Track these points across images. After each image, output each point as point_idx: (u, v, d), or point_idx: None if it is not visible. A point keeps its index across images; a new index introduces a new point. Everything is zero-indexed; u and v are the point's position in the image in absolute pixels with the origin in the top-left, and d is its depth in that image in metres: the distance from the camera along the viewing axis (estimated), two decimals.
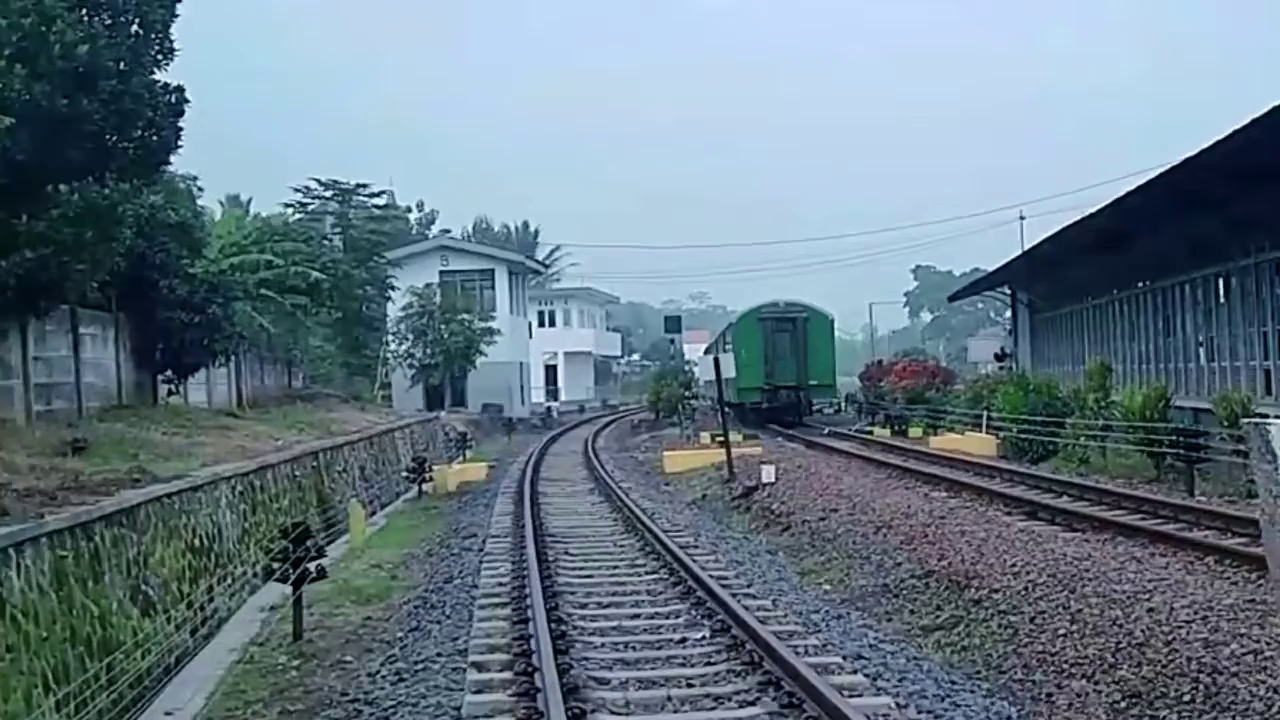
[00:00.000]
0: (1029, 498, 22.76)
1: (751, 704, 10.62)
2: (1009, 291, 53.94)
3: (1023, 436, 33.11)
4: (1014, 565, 15.12)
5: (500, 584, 16.69)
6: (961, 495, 24.21)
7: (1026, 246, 46.31)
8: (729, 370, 32.46)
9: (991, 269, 51.21)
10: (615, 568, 18.19)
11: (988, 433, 37.31)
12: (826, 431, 47.97)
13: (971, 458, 32.41)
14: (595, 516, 25.00)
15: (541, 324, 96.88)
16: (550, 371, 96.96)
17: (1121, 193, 27.91)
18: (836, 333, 53.07)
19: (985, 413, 38.44)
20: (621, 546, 20.33)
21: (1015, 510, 21.62)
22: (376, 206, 65.83)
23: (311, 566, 15.28)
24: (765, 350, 46.85)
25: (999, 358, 54.79)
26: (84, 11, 18.65)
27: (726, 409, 36.49)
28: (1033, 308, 50.40)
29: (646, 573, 17.58)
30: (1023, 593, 13.88)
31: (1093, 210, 30.83)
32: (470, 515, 27.25)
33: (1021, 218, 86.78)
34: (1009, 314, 60.55)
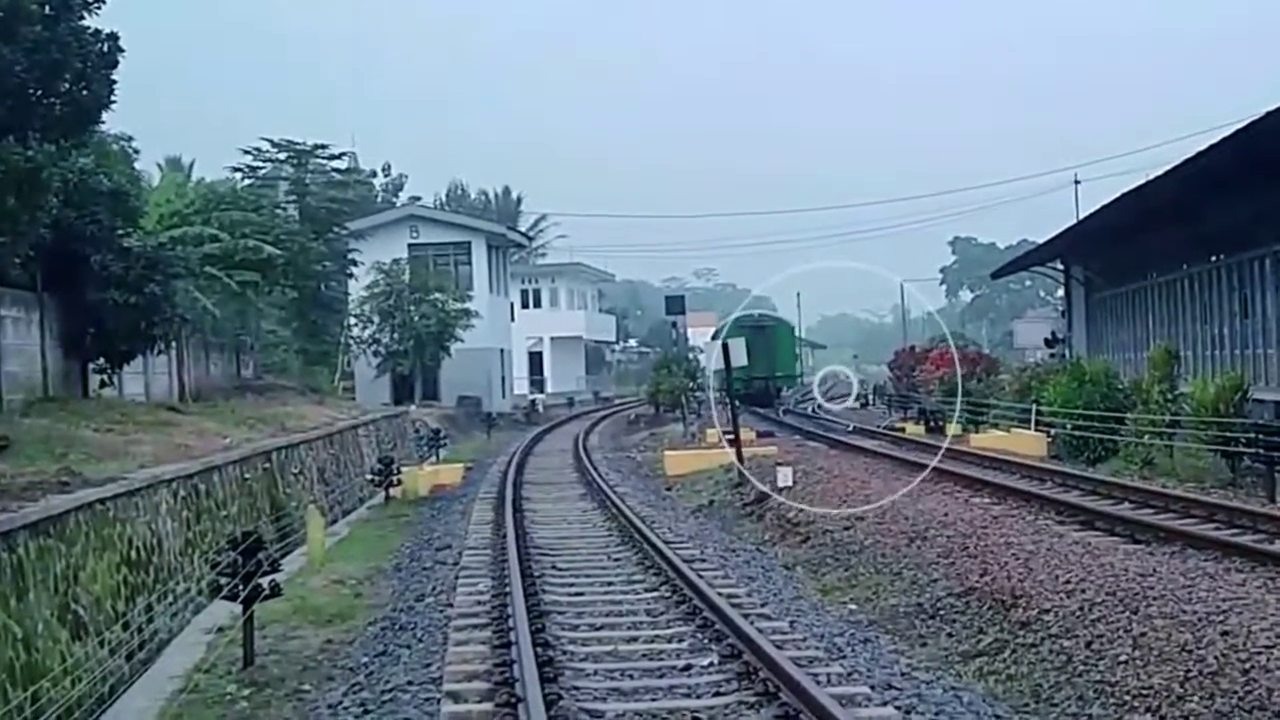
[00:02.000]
0: (1084, 504, 22.80)
1: None
2: (1062, 267, 53.93)
3: (1077, 434, 33.15)
4: (1067, 582, 15.14)
5: (479, 602, 16.73)
6: (1007, 501, 24.23)
7: (1082, 215, 46.34)
8: (740, 358, 32.53)
9: (1042, 241, 51.19)
10: (610, 584, 18.23)
11: (1037, 430, 37.34)
12: (851, 428, 48.14)
13: (1018, 458, 32.46)
14: (587, 525, 25.04)
15: (525, 305, 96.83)
16: (535, 359, 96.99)
17: (1192, 153, 27.83)
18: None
19: (1034, 407, 38.46)
20: (617, 560, 20.37)
21: (1069, 519, 21.65)
22: (337, 171, 65.74)
23: (264, 582, 15.31)
24: (746, 351, 57.53)
25: (1050, 343, 54.84)
26: None
27: (736, 401, 36.55)
28: (1089, 285, 50.42)
29: (645, 590, 17.61)
30: (1077, 614, 13.90)
31: (1159, 172, 30.77)
32: (444, 524, 27.28)
33: (1076, 182, 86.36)
34: (1061, 293, 60.59)
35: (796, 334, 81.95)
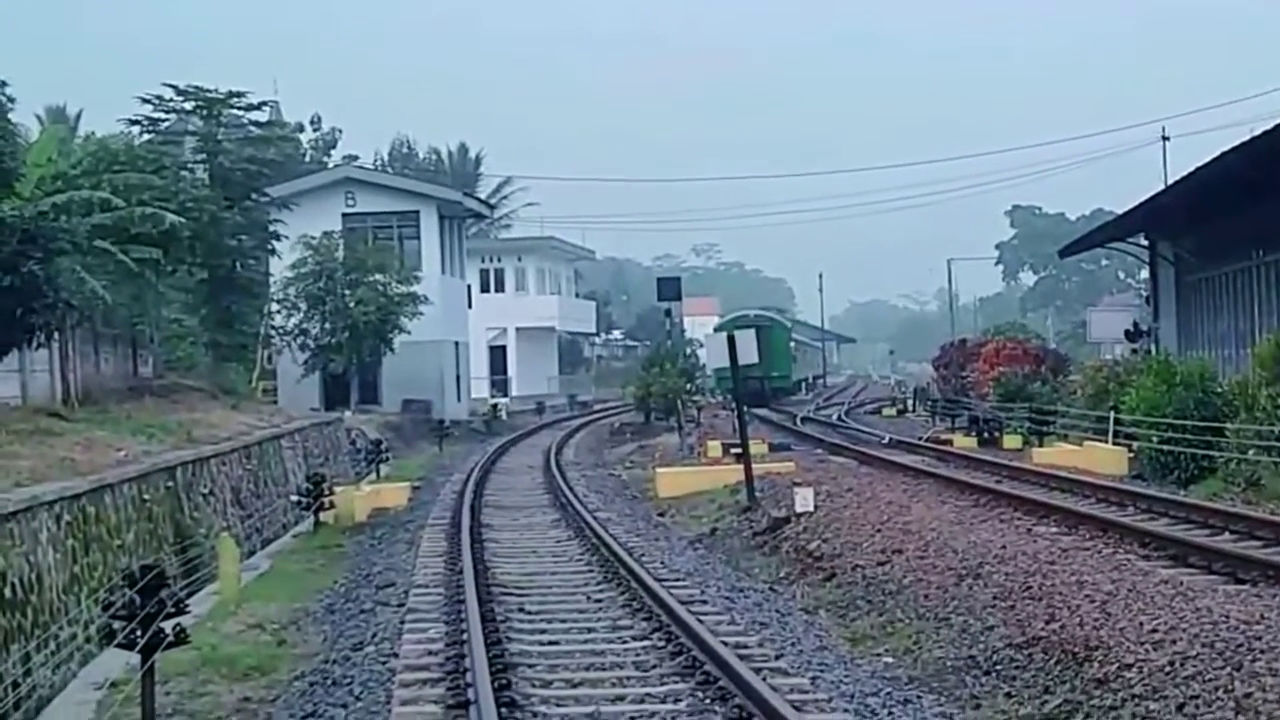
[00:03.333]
0: (1175, 535, 22.77)
1: None
2: (1147, 243, 53.89)
3: (1165, 448, 33.14)
4: (1154, 630, 15.12)
5: (430, 653, 16.72)
6: (1078, 531, 24.20)
7: (1172, 178, 46.35)
8: (749, 354, 32.54)
9: (1121, 210, 51.17)
10: (590, 630, 18.21)
11: (1115, 443, 37.33)
12: (887, 440, 48.16)
13: (1092, 478, 32.42)
14: (561, 559, 25.01)
15: (486, 288, 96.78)
16: (498, 355, 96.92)
17: None
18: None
19: (1112, 414, 38.46)
20: (598, 602, 20.34)
21: (1155, 552, 21.62)
22: (255, 124, 65.39)
23: (167, 627, 15.25)
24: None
25: (1132, 336, 54.72)
26: None
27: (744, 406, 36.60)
28: (1181, 265, 50.39)
29: (634, 638, 17.59)
30: (1167, 670, 13.88)
31: (1270, 126, 30.69)
32: (387, 556, 27.24)
33: (1165, 138, 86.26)
34: (1146, 274, 60.60)
35: (790, 337, 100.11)
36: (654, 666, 15.95)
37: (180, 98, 61.48)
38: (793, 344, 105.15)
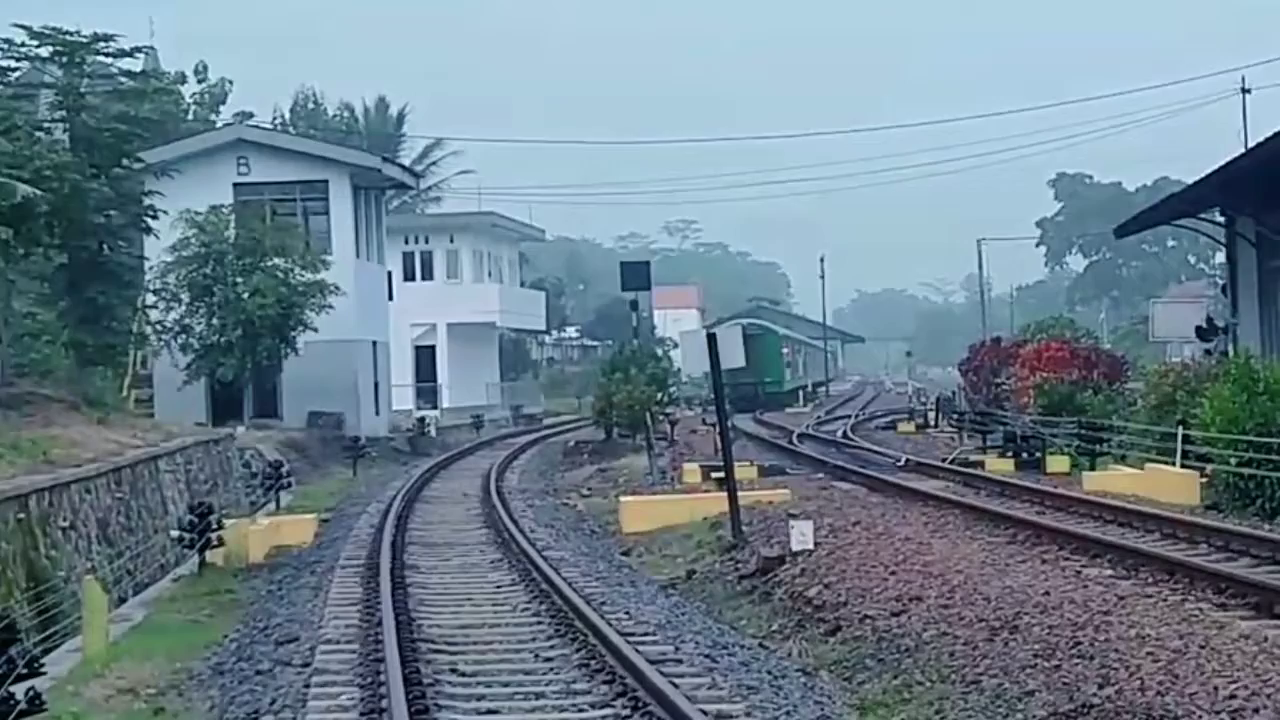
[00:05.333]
0: (1257, 579, 22.77)
1: None
2: (1223, 219, 53.98)
3: (1246, 472, 33.18)
4: (1232, 696, 15.15)
5: None
6: (1139, 574, 24.22)
7: (1254, 140, 46.41)
8: (735, 357, 32.55)
9: (1192, 180, 51.25)
10: (538, 698, 18.16)
11: (1185, 465, 37.35)
12: (903, 462, 48.19)
13: (1156, 508, 32.45)
14: (503, 609, 24.94)
15: (410, 275, 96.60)
16: (425, 357, 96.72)
17: None
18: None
19: (1180, 430, 38.50)
20: (549, 661, 20.28)
21: (1234, 601, 21.63)
22: (127, 75, 65.26)
23: (19, 691, 15.19)
24: None
25: (1205, 334, 54.84)
26: None
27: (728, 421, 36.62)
28: (1265, 247, 50.51)
29: (592, 707, 17.56)
30: None
31: None
32: (289, 604, 27.12)
33: (1245, 90, 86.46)
34: (1222, 258, 60.67)
35: (783, 345, 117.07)
36: None
37: (34, 42, 61.25)
38: (785, 350, 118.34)
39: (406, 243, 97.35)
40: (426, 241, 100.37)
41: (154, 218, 58.86)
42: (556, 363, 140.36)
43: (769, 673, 20.12)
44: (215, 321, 61.29)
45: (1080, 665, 17.39)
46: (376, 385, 73.32)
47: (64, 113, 57.04)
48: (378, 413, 72.79)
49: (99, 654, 22.75)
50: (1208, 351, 53.37)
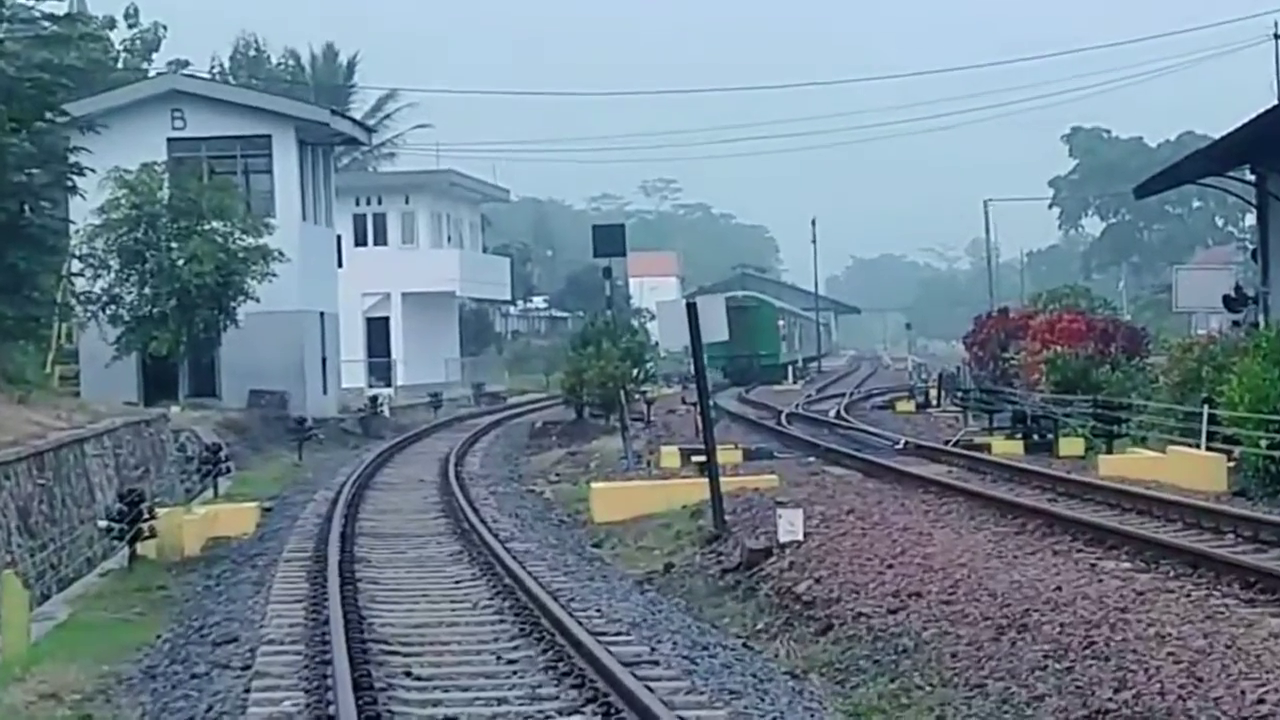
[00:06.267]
0: None
1: None
2: (1253, 177, 53.98)
3: (1277, 455, 33.22)
4: (1261, 701, 15.18)
5: None
6: (1160, 567, 24.26)
7: None
8: (717, 330, 32.54)
9: (1220, 134, 51.23)
10: (501, 703, 18.15)
11: (1210, 447, 37.40)
12: (901, 444, 48.23)
13: (1178, 495, 32.52)
14: (462, 606, 24.95)
15: (362, 240, 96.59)
16: (378, 330, 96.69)
17: None
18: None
19: (1206, 409, 38.54)
20: (512, 664, 20.28)
21: (1263, 596, 21.66)
22: (50, 19, 65.18)
23: None
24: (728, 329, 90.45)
25: (1233, 304, 54.85)
26: None
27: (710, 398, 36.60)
28: None
29: (560, 713, 17.56)
30: None
31: None
32: (228, 601, 27.12)
33: (1277, 36, 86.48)
34: (1253, 220, 60.67)
35: (779, 318, 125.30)
36: None
37: None
38: (781, 323, 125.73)
39: (358, 204, 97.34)
40: (379, 203, 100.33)
41: (80, 175, 58.72)
42: (522, 336, 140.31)
43: (754, 676, 20.15)
44: (147, 291, 61.15)
45: (1095, 667, 17.42)
46: (324, 361, 73.27)
47: None
48: (326, 391, 72.71)
49: (19, 656, 22.72)
50: (1236, 323, 53.39)
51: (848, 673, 20.18)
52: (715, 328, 32.64)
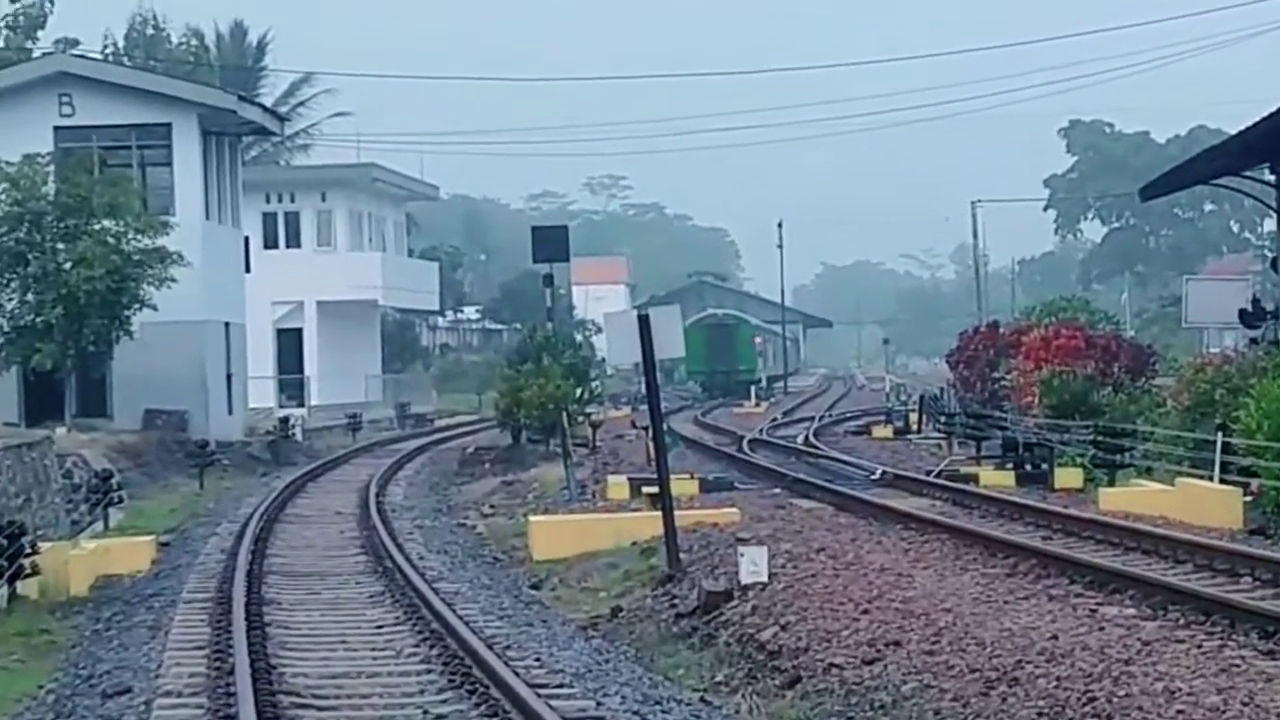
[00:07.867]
0: None
1: None
2: (1272, 177, 54.23)
3: None
4: None
5: None
6: (1168, 614, 24.34)
7: None
8: (672, 346, 32.54)
9: (1234, 130, 51.40)
10: None
11: (1225, 480, 37.51)
12: (878, 474, 48.31)
13: (1190, 532, 32.62)
14: (384, 655, 24.99)
15: (273, 241, 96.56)
16: (289, 343, 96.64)
17: None
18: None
19: (1220, 437, 38.65)
20: (442, 719, 20.28)
21: None
22: None
23: None
24: (709, 345, 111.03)
25: (1250, 319, 55.10)
26: None
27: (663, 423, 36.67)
28: None
29: None
30: None
31: None
32: (120, 648, 27.07)
33: None
34: (1272, 225, 60.94)
35: (755, 335, 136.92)
36: None
37: None
38: (757, 340, 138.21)
39: (268, 201, 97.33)
40: (292, 200, 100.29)
41: None
42: (452, 350, 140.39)
43: None
44: (30, 298, 61.07)
45: None
46: (229, 377, 73.22)
47: None
48: (230, 411, 72.73)
49: None
50: (1253, 340, 53.57)
51: None
52: (671, 343, 32.60)
